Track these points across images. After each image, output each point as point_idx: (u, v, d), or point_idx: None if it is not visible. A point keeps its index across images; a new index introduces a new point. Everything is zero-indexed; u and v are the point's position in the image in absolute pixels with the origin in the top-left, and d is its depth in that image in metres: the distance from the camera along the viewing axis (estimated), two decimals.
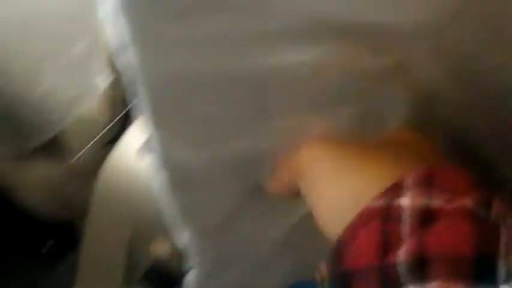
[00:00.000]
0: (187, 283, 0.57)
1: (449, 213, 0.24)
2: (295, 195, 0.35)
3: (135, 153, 0.71)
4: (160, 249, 0.69)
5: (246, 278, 0.51)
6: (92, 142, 0.74)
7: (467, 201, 0.24)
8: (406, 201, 0.25)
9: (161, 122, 0.41)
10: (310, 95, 0.37)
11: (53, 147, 0.72)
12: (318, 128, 0.35)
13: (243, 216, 0.47)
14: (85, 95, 0.65)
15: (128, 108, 0.80)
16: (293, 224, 0.47)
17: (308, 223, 0.45)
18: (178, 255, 0.65)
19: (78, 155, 0.73)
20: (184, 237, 0.52)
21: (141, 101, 0.41)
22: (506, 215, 0.25)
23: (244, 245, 0.51)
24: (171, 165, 0.45)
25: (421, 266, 0.23)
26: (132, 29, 0.35)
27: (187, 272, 0.57)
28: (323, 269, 0.28)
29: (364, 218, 0.26)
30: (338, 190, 0.29)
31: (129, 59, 0.37)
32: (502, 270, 0.22)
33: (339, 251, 0.26)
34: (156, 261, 0.70)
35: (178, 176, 0.46)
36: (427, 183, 0.25)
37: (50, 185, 0.75)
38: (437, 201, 0.24)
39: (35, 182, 0.73)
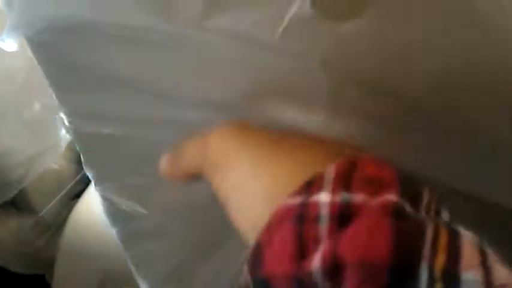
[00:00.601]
0: None
1: (370, 210, 0.21)
2: (192, 178, 0.32)
3: (99, 203, 0.73)
4: None
5: None
6: (58, 196, 0.76)
7: (392, 196, 0.22)
8: (324, 197, 0.22)
9: (95, 170, 0.43)
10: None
11: (20, 203, 0.73)
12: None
13: (196, 264, 0.49)
14: (47, 152, 0.67)
15: None
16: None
17: None
18: None
19: (45, 210, 0.75)
20: (144, 285, 0.53)
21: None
22: (438, 209, 0.23)
23: None
24: (118, 218, 0.46)
25: (335, 273, 0.20)
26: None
27: None
28: (246, 273, 0.24)
29: (279, 218, 0.23)
30: (253, 182, 0.26)
31: None
32: (423, 274, 0.19)
33: (257, 253, 0.23)
34: None
35: (128, 228, 0.47)
36: (349, 176, 0.23)
37: (19, 239, 0.76)
38: (359, 196, 0.22)
39: (5, 237, 0.75)
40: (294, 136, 0.29)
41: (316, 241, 0.21)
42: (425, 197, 0.23)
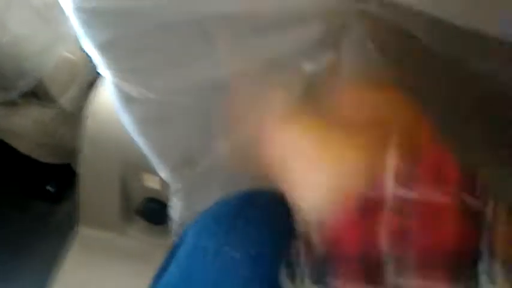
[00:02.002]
0: (172, 212, 0.60)
1: (434, 204, 0.24)
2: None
3: None
4: (152, 182, 0.71)
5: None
6: (75, 85, 0.76)
7: (453, 188, 0.24)
8: (388, 189, 0.25)
9: (109, 62, 0.42)
10: None
11: (39, 93, 0.73)
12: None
13: (207, 145, 0.49)
14: (60, 39, 0.66)
15: None
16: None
17: None
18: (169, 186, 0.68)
19: (64, 99, 0.75)
20: (161, 170, 0.54)
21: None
22: (495, 208, 0.25)
23: (217, 168, 0.52)
24: (131, 104, 0.46)
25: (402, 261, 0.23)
26: None
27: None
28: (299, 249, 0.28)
29: (346, 204, 0.26)
30: (319, 167, 0.29)
31: None
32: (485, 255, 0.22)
33: (322, 233, 0.27)
34: (149, 195, 0.73)
35: (141, 113, 0.47)
36: (412, 170, 0.25)
37: (42, 128, 0.77)
38: (421, 190, 0.24)
39: (27, 127, 0.76)
40: (358, 128, 0.32)
41: (379, 227, 0.24)
42: (482, 191, 0.25)
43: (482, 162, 0.33)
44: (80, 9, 0.38)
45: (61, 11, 0.67)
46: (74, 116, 0.79)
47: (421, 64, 0.35)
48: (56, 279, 0.74)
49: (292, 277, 0.30)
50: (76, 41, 0.71)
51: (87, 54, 0.79)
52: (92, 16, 0.38)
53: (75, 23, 0.40)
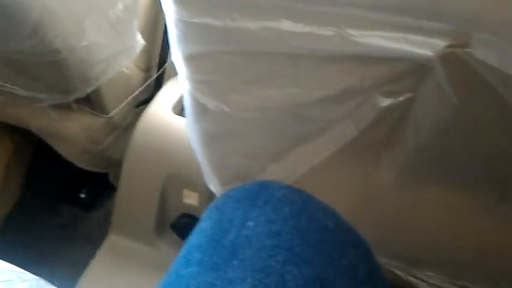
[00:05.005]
0: None
1: None
2: None
3: (169, 108, 0.76)
4: (190, 198, 0.73)
5: None
6: (127, 100, 0.79)
7: None
8: None
9: (193, 73, 0.45)
10: None
11: (93, 101, 0.76)
12: None
13: (264, 165, 0.51)
14: (124, 53, 0.69)
15: (161, 71, 0.85)
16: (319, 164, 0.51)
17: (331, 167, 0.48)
18: (208, 204, 0.69)
19: (115, 111, 0.78)
20: (214, 184, 0.56)
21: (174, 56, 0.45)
22: None
23: None
24: (204, 115, 0.48)
25: None
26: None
27: None
28: None
29: None
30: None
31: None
32: None
33: None
34: (186, 210, 0.74)
35: (211, 125, 0.49)
36: None
37: (89, 136, 0.80)
38: None
39: (76, 133, 0.79)
40: None
41: None
42: None
43: None
44: (182, 22, 0.41)
45: (129, 25, 0.71)
46: (121, 128, 0.81)
47: (497, 121, 0.38)
48: (83, 285, 0.74)
49: None
50: (135, 57, 0.75)
51: (142, 73, 0.83)
52: (190, 29, 0.41)
53: (171, 33, 0.43)
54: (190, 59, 0.44)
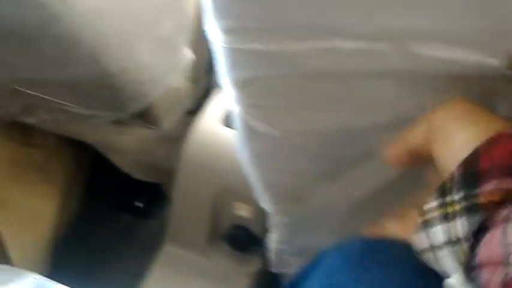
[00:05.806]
0: (270, 242, 0.62)
1: None
2: (418, 160, 0.38)
3: (219, 120, 0.77)
4: (242, 210, 0.74)
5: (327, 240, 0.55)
6: (178, 111, 0.80)
7: None
8: None
9: (242, 97, 0.45)
10: None
11: (145, 115, 0.78)
12: None
13: (318, 187, 0.51)
14: (171, 70, 0.70)
15: (209, 81, 0.85)
16: (374, 187, 0.50)
17: (387, 190, 0.47)
18: (260, 217, 0.70)
19: (166, 122, 0.79)
20: (266, 202, 0.57)
21: (223, 76, 0.45)
22: None
23: (326, 208, 0.54)
24: (254, 138, 0.49)
25: None
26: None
27: (267, 233, 0.62)
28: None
29: (499, 138, 0.30)
30: (464, 139, 0.33)
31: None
32: None
33: (475, 156, 0.30)
34: (238, 222, 0.75)
35: (261, 147, 0.49)
36: None
37: (142, 148, 0.82)
38: None
39: (129, 145, 0.81)
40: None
41: None
42: None
43: None
44: (230, 49, 0.41)
45: (177, 41, 0.72)
46: (173, 139, 0.83)
47: None
48: None
49: None
50: (185, 69, 0.76)
51: (190, 84, 0.84)
52: (239, 55, 0.41)
53: (220, 59, 0.43)
54: (240, 85, 0.44)
